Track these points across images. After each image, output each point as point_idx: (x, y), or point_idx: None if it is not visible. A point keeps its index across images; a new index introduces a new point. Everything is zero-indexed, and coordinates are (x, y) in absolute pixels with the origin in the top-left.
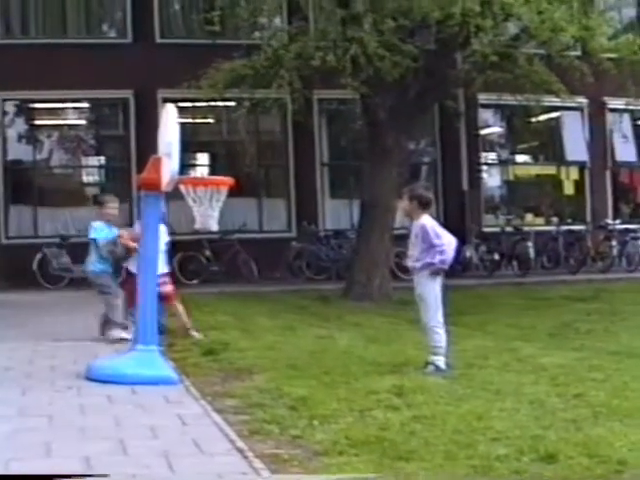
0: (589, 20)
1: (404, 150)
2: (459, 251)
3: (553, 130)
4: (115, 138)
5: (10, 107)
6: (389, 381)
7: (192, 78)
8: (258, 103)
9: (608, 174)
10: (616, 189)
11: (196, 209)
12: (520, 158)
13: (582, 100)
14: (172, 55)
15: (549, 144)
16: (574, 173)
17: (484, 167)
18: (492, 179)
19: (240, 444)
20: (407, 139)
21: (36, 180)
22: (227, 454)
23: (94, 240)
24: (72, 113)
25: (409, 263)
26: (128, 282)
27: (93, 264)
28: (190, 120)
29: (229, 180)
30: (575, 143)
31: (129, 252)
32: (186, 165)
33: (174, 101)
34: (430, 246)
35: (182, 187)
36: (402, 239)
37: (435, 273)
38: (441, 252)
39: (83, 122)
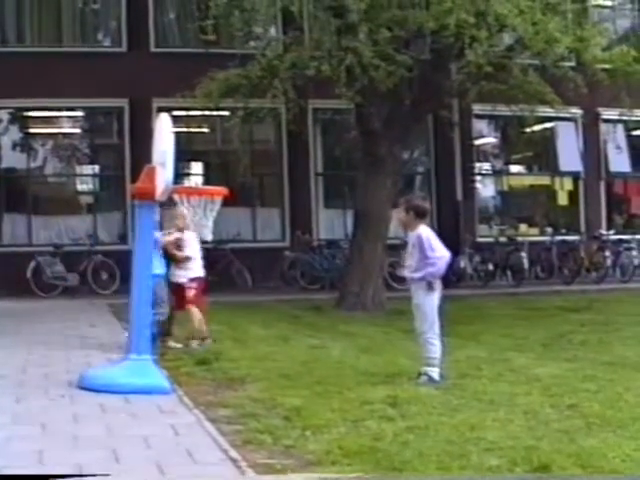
0: (583, 31)
1: (398, 160)
2: (452, 263)
3: (547, 140)
4: (109, 147)
5: (4, 115)
6: (382, 391)
7: (187, 87)
8: (252, 113)
9: (602, 185)
10: (610, 200)
11: (190, 218)
12: (514, 168)
13: (576, 111)
14: (167, 64)
15: (543, 154)
16: (568, 183)
17: (478, 177)
18: (486, 189)
19: (233, 454)
20: (401, 149)
21: (30, 188)
22: (220, 464)
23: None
24: (67, 122)
25: (406, 273)
26: (198, 287)
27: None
28: (184, 129)
29: (223, 190)
30: (569, 154)
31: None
32: (180, 174)
33: (169, 110)
34: (423, 258)
35: (176, 196)
36: (396, 249)
37: (429, 285)
38: (432, 264)
39: (77, 131)
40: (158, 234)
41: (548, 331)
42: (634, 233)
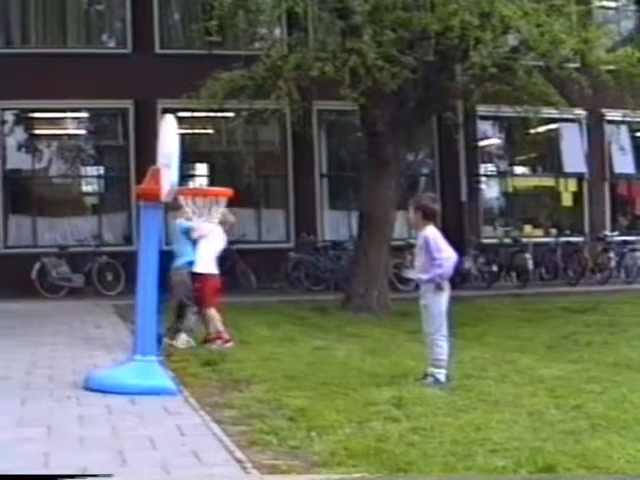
0: (588, 33)
1: (403, 161)
2: (458, 264)
3: (551, 142)
4: (114, 148)
5: (9, 116)
6: (388, 392)
7: (191, 88)
8: (256, 114)
9: (606, 186)
10: (614, 201)
11: (195, 220)
12: (519, 170)
13: (580, 112)
14: (172, 65)
15: (547, 156)
16: (572, 185)
17: (483, 178)
18: (491, 190)
19: (239, 455)
20: (406, 150)
21: (35, 189)
22: (226, 465)
23: (187, 230)
24: (71, 123)
25: (414, 274)
26: (203, 283)
27: (187, 255)
28: (189, 130)
29: (228, 191)
30: (573, 155)
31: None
32: (185, 175)
33: (173, 111)
34: (430, 259)
35: (181, 198)
36: (401, 250)
37: (438, 287)
38: (439, 266)
39: (82, 132)
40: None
41: (553, 332)
42: (639, 234)
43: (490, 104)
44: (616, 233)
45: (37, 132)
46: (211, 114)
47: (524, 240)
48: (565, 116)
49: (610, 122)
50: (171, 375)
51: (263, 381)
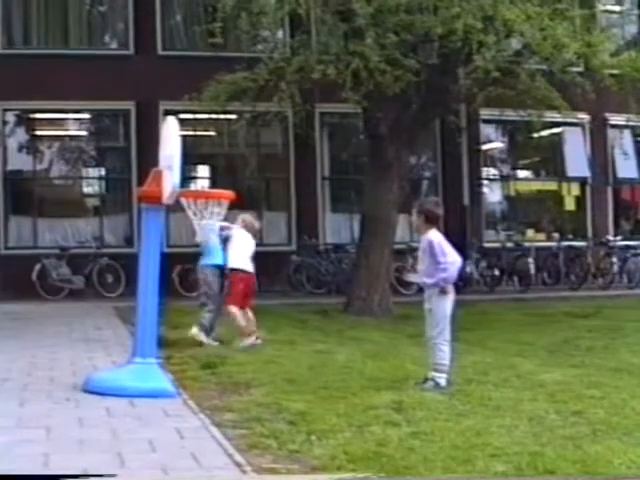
0: (591, 37)
1: (405, 164)
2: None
3: (554, 146)
4: (116, 149)
5: (11, 117)
6: (388, 396)
7: (194, 90)
8: (259, 116)
9: (609, 190)
10: (617, 205)
11: (197, 222)
12: (521, 174)
13: (584, 116)
14: (174, 67)
15: (550, 160)
16: (575, 189)
17: (485, 182)
18: (493, 194)
19: (238, 458)
20: (408, 153)
21: (36, 190)
22: (225, 468)
23: (221, 229)
24: (73, 124)
25: (416, 278)
26: (233, 279)
27: (214, 257)
28: (191, 132)
29: (230, 194)
30: (576, 159)
31: None
32: (187, 178)
33: (175, 113)
34: (434, 263)
35: (183, 200)
36: (402, 254)
37: (442, 291)
38: (444, 270)
39: (84, 133)
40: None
41: (554, 337)
42: None
43: (493, 108)
44: (619, 238)
45: (38, 133)
46: (213, 116)
47: (526, 244)
48: (568, 120)
49: (613, 126)
50: (170, 378)
51: (263, 384)
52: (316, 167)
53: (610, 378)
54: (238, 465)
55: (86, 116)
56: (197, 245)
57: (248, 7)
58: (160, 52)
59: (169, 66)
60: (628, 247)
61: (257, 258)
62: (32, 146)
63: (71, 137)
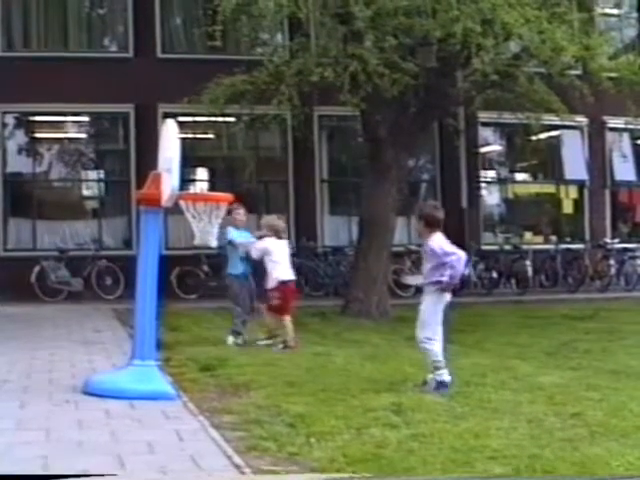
0: (589, 40)
1: (403, 167)
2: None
3: (553, 149)
4: (115, 152)
5: (10, 119)
6: (387, 399)
7: (193, 93)
8: (257, 119)
9: (607, 193)
10: (615, 208)
11: (195, 225)
12: (519, 176)
13: (582, 119)
14: (173, 70)
15: (548, 163)
16: (573, 192)
17: (483, 185)
18: (491, 197)
19: (237, 460)
20: (407, 156)
21: (35, 193)
22: (224, 470)
23: (230, 242)
24: (72, 126)
25: (414, 280)
26: (279, 290)
27: (234, 267)
28: (190, 135)
29: (229, 197)
30: (574, 162)
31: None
32: (186, 180)
33: (174, 116)
34: (439, 264)
35: (182, 203)
36: (400, 256)
37: (443, 290)
38: (451, 267)
39: (83, 136)
40: (246, 237)
41: (552, 339)
42: (639, 242)
43: (491, 111)
44: (616, 240)
45: (38, 135)
46: (212, 119)
47: (524, 247)
48: (566, 123)
49: (612, 129)
50: (170, 380)
51: (262, 387)
52: (315, 170)
53: (608, 380)
54: (237, 467)
55: (85, 119)
56: (195, 248)
57: (248, 10)
58: (159, 55)
59: (168, 69)
60: (625, 250)
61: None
62: (31, 148)
63: (70, 139)
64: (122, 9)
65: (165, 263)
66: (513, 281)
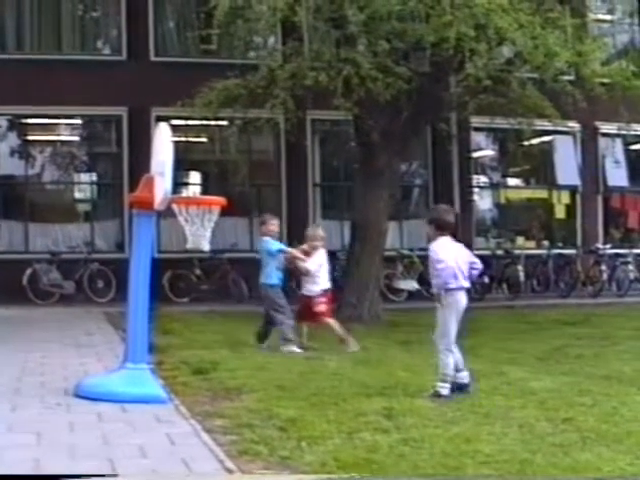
0: (583, 46)
1: (396, 172)
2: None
3: (545, 154)
4: (108, 155)
5: (3, 122)
6: (378, 403)
7: (186, 97)
8: (250, 122)
9: (599, 198)
10: (607, 214)
11: (188, 228)
12: (512, 181)
13: (574, 125)
14: (166, 73)
15: (541, 168)
16: (565, 197)
17: (476, 190)
18: (483, 202)
19: (229, 464)
20: (399, 161)
21: (28, 195)
22: (216, 474)
23: (269, 252)
24: (65, 129)
25: (408, 285)
26: (301, 301)
27: (269, 276)
28: (183, 139)
29: (221, 200)
30: (567, 167)
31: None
32: (178, 184)
33: (167, 119)
34: (434, 269)
35: (174, 206)
36: (392, 261)
37: (438, 300)
38: (437, 276)
39: (76, 138)
40: (285, 247)
41: (544, 344)
42: (631, 247)
43: (484, 116)
44: (608, 246)
45: (30, 138)
46: (205, 122)
47: (516, 252)
48: (559, 129)
49: (604, 135)
50: (162, 383)
51: (254, 390)
52: (307, 174)
53: (600, 386)
54: (229, 471)
55: (78, 121)
56: (188, 251)
57: (242, 14)
58: (152, 58)
59: (161, 72)
60: (617, 255)
61: (247, 264)
62: (24, 151)
63: (63, 142)
64: (115, 12)
65: (157, 266)
66: (505, 286)
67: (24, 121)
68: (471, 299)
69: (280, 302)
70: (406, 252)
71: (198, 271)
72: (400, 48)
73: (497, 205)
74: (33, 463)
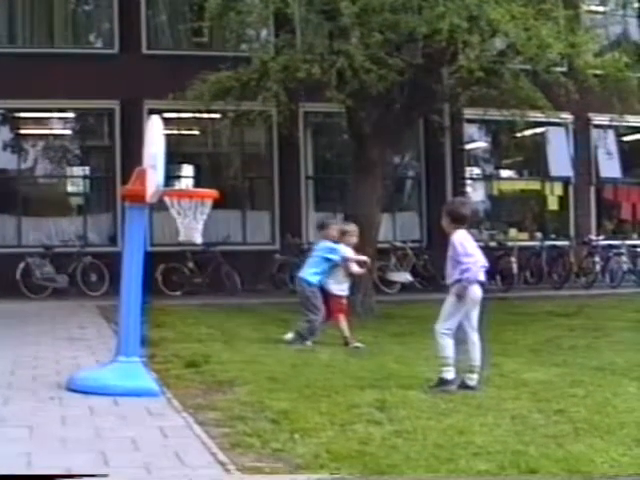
0: (575, 37)
1: (389, 164)
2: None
3: (538, 145)
4: (100, 148)
5: None
6: (371, 395)
7: (178, 89)
8: (243, 115)
9: (592, 190)
10: (600, 205)
11: (180, 221)
12: (504, 173)
13: (567, 116)
14: (158, 66)
15: (534, 159)
16: (558, 189)
17: (468, 182)
18: (476, 194)
19: (222, 457)
20: (392, 153)
21: (20, 189)
22: (208, 467)
23: (329, 259)
24: (57, 123)
25: (401, 277)
26: (327, 299)
27: (311, 275)
28: (175, 131)
29: (214, 193)
30: (560, 159)
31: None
32: (171, 176)
33: (160, 112)
34: (457, 262)
35: (167, 199)
36: (386, 253)
37: (459, 294)
38: (466, 270)
39: (68, 132)
40: (342, 247)
41: (537, 336)
42: (624, 239)
43: (477, 107)
44: (601, 237)
45: (23, 132)
46: (197, 115)
47: (509, 244)
48: (552, 120)
49: (597, 126)
50: (154, 376)
51: (246, 383)
52: (300, 166)
53: (593, 377)
54: (221, 464)
55: (70, 115)
56: (180, 244)
57: (235, 6)
58: (145, 51)
59: (154, 65)
60: (610, 247)
61: (240, 257)
62: (16, 145)
63: (55, 136)
64: (107, 5)
65: (150, 260)
66: (498, 278)
67: (16, 115)
68: None
69: (316, 303)
70: (399, 244)
71: (191, 264)
72: (393, 40)
73: (490, 197)
74: (25, 457)
